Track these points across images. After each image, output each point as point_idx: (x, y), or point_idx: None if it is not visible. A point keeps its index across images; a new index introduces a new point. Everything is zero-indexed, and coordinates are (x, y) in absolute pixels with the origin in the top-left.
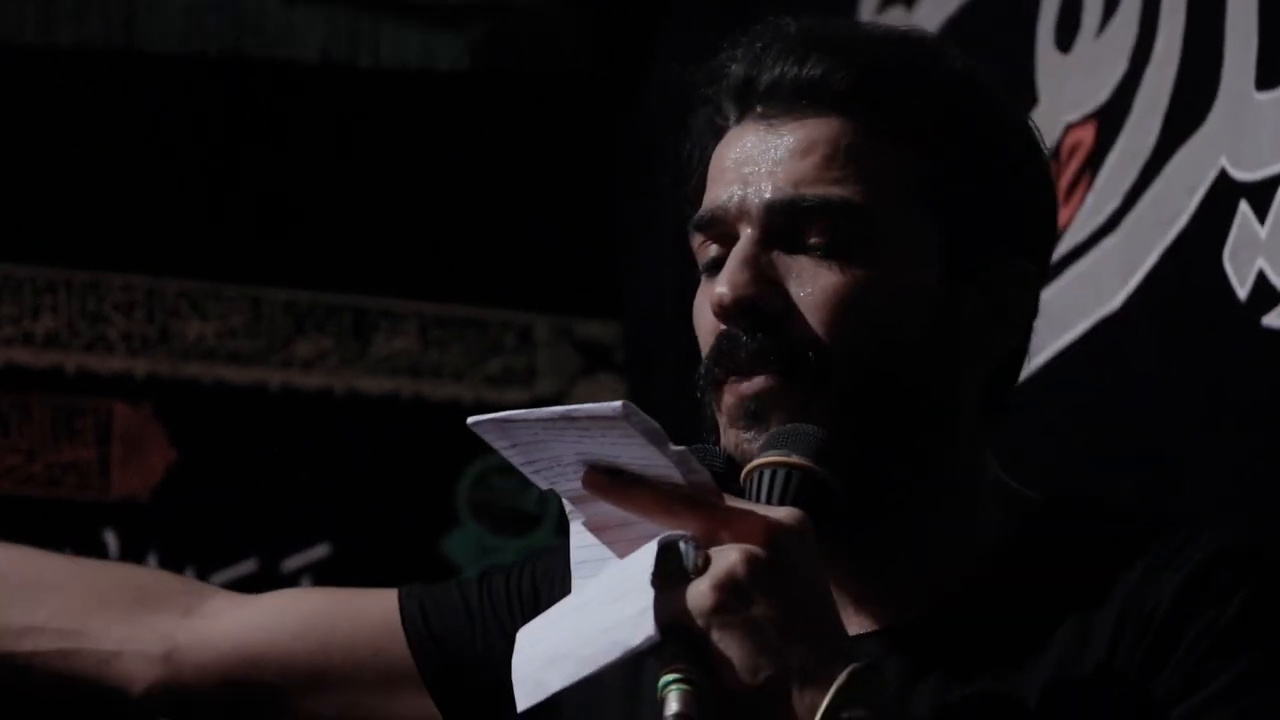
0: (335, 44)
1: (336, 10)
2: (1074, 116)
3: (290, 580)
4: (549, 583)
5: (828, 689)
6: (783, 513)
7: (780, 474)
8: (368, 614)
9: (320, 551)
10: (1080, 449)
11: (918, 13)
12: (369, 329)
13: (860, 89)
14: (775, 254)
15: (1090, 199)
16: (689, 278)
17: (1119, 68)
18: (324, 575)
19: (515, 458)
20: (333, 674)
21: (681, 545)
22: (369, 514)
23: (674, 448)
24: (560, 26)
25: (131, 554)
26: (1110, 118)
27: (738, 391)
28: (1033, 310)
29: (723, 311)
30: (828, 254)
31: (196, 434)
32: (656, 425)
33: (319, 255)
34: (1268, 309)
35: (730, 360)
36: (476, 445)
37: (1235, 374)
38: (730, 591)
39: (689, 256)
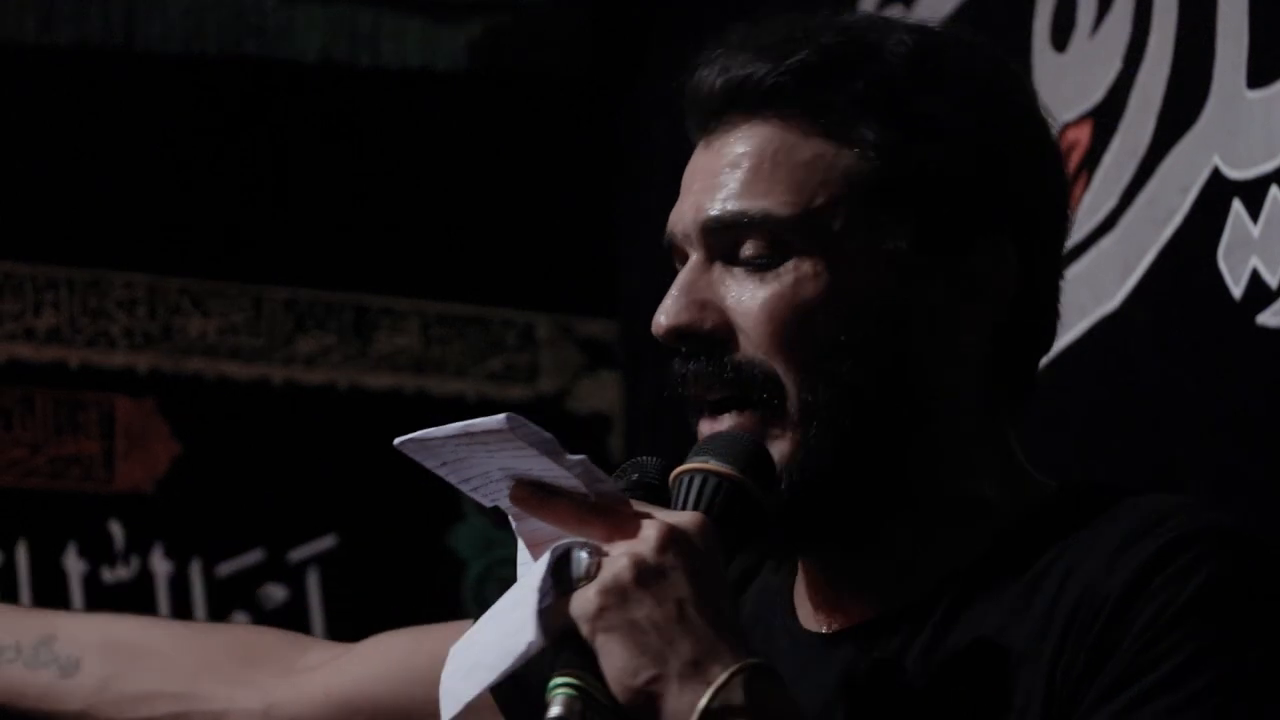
0: (335, 44)
1: (336, 10)
2: (1070, 116)
3: (296, 571)
4: None
5: (705, 690)
6: (681, 517)
7: (697, 479)
8: (443, 650)
9: (327, 542)
10: (1081, 448)
11: (916, 12)
12: (370, 327)
13: (786, 88)
14: (719, 272)
15: (1088, 199)
16: None
17: (1113, 67)
18: (331, 566)
19: (450, 477)
20: (417, 713)
21: (577, 552)
22: (375, 506)
23: (572, 457)
24: (559, 26)
25: (137, 545)
26: (1106, 117)
27: (709, 429)
28: (1021, 286)
29: (663, 340)
30: (760, 267)
31: (200, 428)
32: (548, 436)
33: (320, 253)
34: (1262, 307)
35: (683, 387)
36: None
37: (1231, 373)
38: (613, 595)
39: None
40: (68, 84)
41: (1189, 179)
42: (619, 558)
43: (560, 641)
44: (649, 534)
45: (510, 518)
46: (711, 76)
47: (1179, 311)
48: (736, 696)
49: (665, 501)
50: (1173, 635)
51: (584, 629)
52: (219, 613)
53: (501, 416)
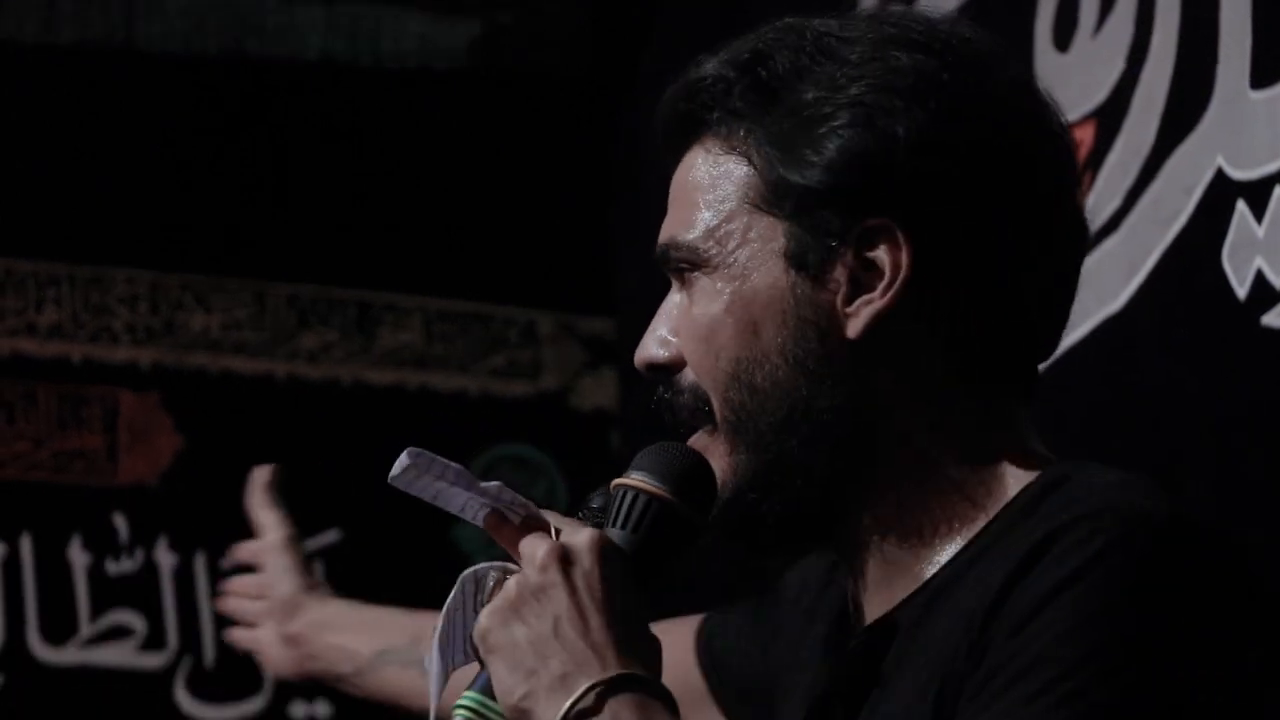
0: (335, 43)
1: (336, 10)
2: (1073, 116)
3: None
4: (796, 588)
5: (563, 703)
6: (579, 534)
7: (628, 496)
8: (673, 646)
9: (332, 536)
10: (1085, 448)
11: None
12: (373, 323)
13: (694, 113)
14: (681, 299)
15: (1091, 200)
16: None
17: (1116, 67)
18: (334, 562)
19: (448, 508)
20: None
21: (485, 576)
22: (377, 502)
23: (487, 484)
24: (559, 26)
25: (141, 538)
26: (1109, 117)
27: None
28: (938, 268)
29: (642, 374)
30: (689, 291)
31: (203, 422)
32: (456, 467)
33: (322, 250)
34: (1267, 308)
35: (662, 417)
36: (484, 435)
37: (1235, 373)
38: (497, 616)
39: None
40: (69, 83)
41: (1193, 179)
42: (511, 579)
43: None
44: (536, 554)
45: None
46: (657, 114)
47: (1183, 312)
48: (594, 707)
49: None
50: (1038, 621)
51: (480, 650)
52: None
53: (404, 453)
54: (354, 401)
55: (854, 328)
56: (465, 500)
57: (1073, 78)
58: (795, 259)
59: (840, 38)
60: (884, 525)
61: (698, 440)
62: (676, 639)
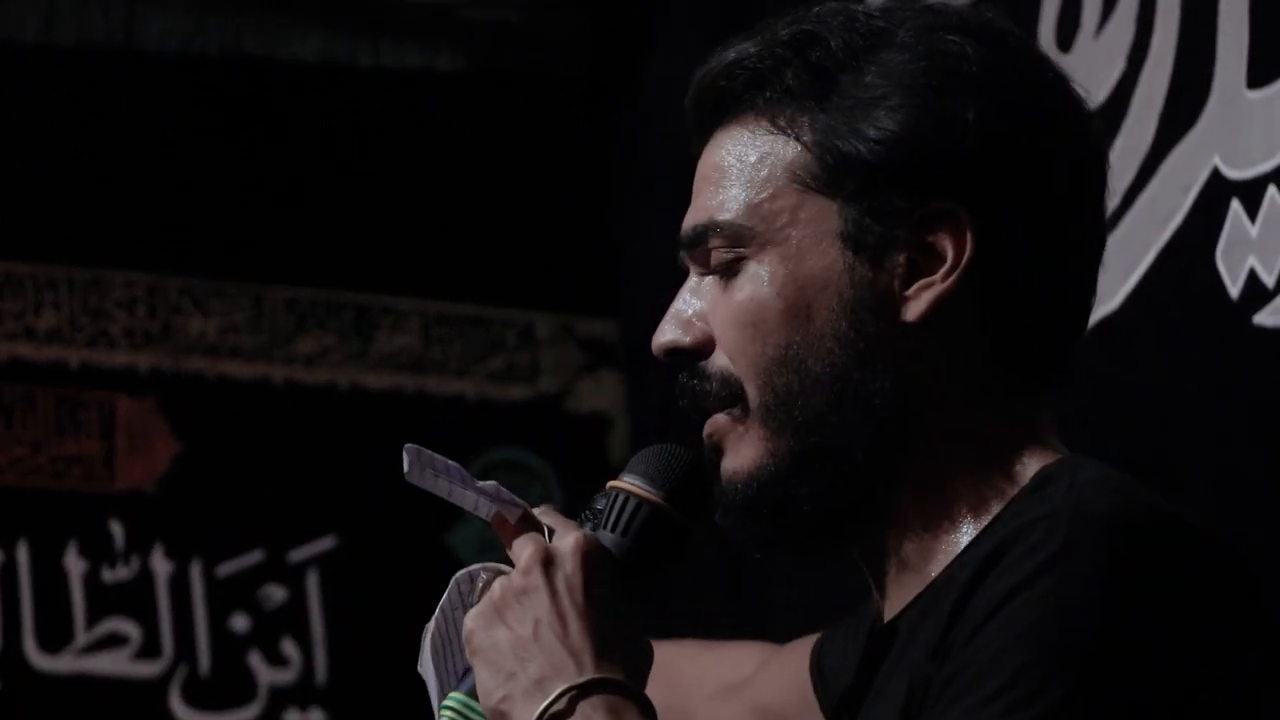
0: (335, 44)
1: (337, 10)
2: None
3: (296, 571)
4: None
5: (538, 706)
6: (565, 538)
7: (620, 499)
8: (798, 662)
9: (327, 543)
10: (1079, 448)
11: None
12: (371, 326)
13: (736, 91)
14: (706, 284)
15: None
16: (687, 277)
17: (1117, 67)
18: (331, 566)
19: (461, 505)
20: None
21: (476, 576)
22: (374, 507)
23: (483, 484)
24: (559, 26)
25: (138, 544)
26: (1110, 117)
27: (705, 431)
28: (996, 257)
29: (659, 359)
30: (724, 274)
31: (200, 427)
32: (453, 465)
33: (320, 253)
34: (1259, 307)
35: (680, 401)
36: (480, 440)
37: (1228, 372)
38: (482, 618)
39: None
40: (68, 84)
41: (1189, 179)
42: (497, 581)
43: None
44: (522, 556)
45: None
46: (690, 94)
47: (1177, 311)
48: (567, 710)
49: None
50: (992, 625)
51: (466, 652)
52: (219, 613)
53: (404, 451)
54: (351, 406)
55: (913, 311)
56: (477, 499)
57: (1075, 78)
58: (852, 240)
59: (888, 23)
60: (902, 519)
61: (719, 423)
62: (800, 654)
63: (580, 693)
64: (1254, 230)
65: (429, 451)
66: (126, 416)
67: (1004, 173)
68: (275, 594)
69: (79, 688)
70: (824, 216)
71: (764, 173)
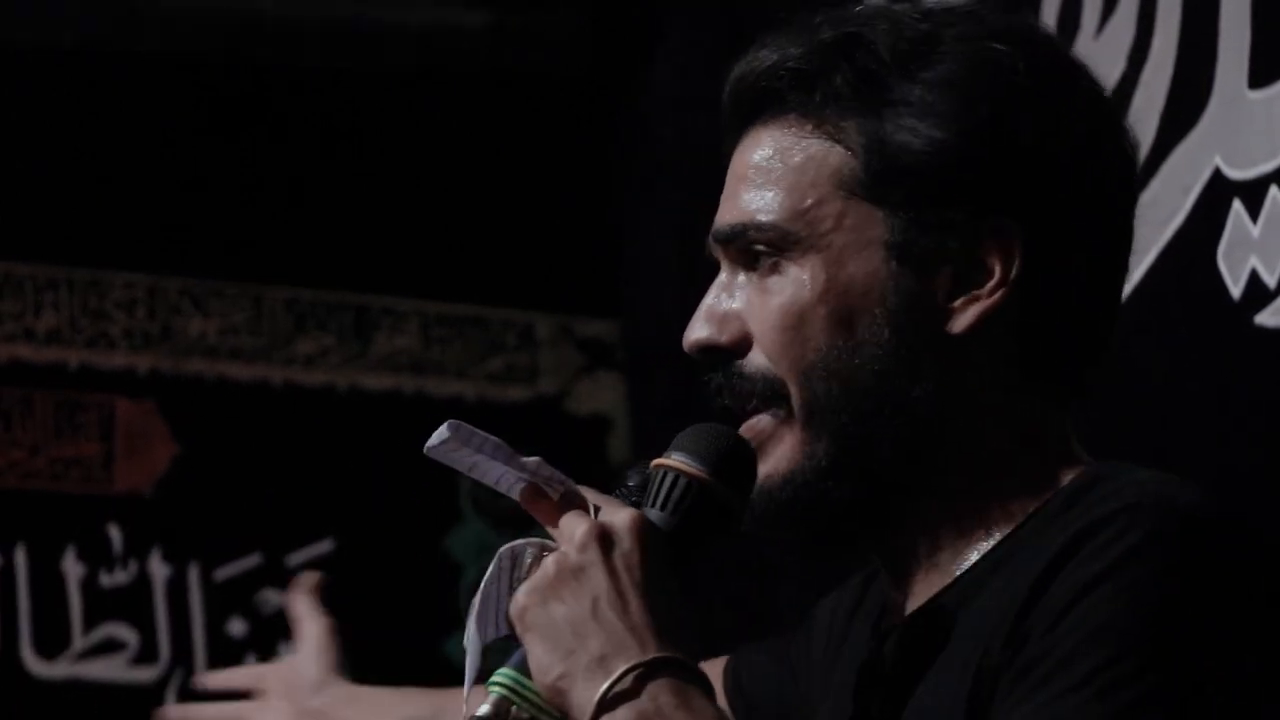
0: (335, 44)
1: (337, 10)
2: None
3: (294, 575)
4: (827, 617)
5: (604, 683)
6: (618, 514)
7: (667, 477)
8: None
9: (324, 546)
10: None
11: None
12: (370, 327)
13: (779, 92)
14: (741, 281)
15: None
16: (688, 277)
17: (1118, 68)
18: (328, 570)
19: (484, 480)
20: None
21: (524, 552)
22: (372, 510)
23: (527, 459)
24: (559, 26)
25: (136, 548)
26: None
27: (744, 431)
28: (1039, 272)
29: (691, 355)
30: (763, 273)
31: (199, 429)
32: (495, 440)
33: (320, 253)
34: (1260, 307)
35: (715, 398)
36: None
37: (1229, 373)
38: (536, 594)
39: (688, 255)
40: (68, 84)
41: (1191, 179)
42: (549, 557)
43: (510, 638)
44: (576, 533)
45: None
46: (728, 89)
47: (1178, 311)
48: (629, 689)
49: None
50: (1075, 613)
51: (516, 628)
52: (216, 617)
53: (444, 425)
54: (350, 408)
55: (958, 324)
56: (501, 473)
57: None
58: (898, 250)
59: (933, 27)
60: (933, 521)
61: (760, 426)
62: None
63: (646, 671)
64: (1255, 230)
65: (469, 426)
66: (126, 419)
67: (1054, 189)
68: (273, 598)
69: (76, 694)
70: (868, 224)
71: (808, 176)
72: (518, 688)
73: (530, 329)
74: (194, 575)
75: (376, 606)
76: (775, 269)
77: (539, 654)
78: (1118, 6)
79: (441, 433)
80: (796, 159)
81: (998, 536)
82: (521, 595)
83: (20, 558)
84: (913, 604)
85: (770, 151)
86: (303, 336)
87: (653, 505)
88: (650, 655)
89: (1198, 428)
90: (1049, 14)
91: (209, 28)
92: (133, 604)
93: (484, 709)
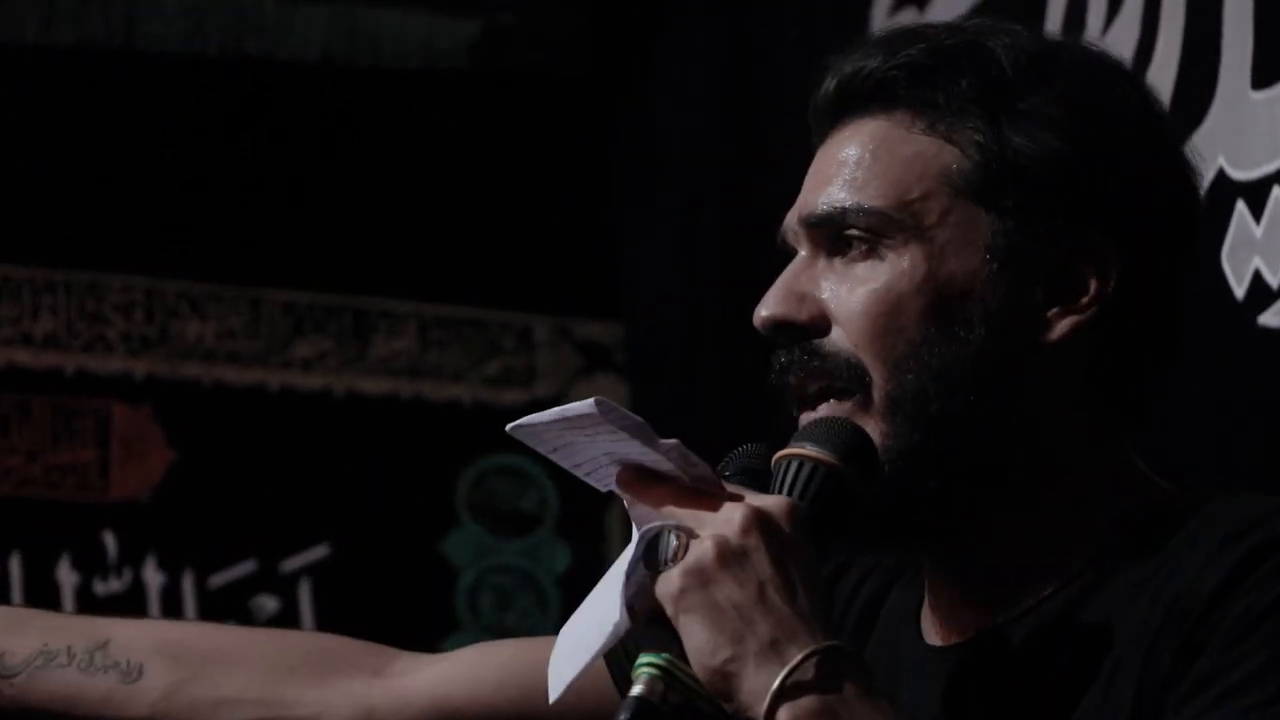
0: (335, 43)
1: (337, 9)
2: None
3: (288, 582)
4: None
5: (780, 669)
6: (769, 500)
7: (795, 465)
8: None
9: (320, 552)
10: None
11: (929, 15)
12: (368, 330)
13: (894, 84)
14: (823, 265)
15: None
16: (688, 277)
17: None
18: (323, 576)
19: (564, 462)
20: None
21: (667, 534)
22: (368, 514)
23: (665, 441)
24: (559, 26)
25: (131, 555)
26: None
27: (807, 419)
28: (1127, 288)
29: (761, 330)
30: (856, 259)
31: (196, 435)
32: (638, 420)
33: (318, 256)
34: (1263, 308)
35: (778, 376)
36: (476, 445)
37: (1232, 373)
38: (695, 576)
39: (688, 256)
40: (68, 84)
41: None
42: (704, 540)
43: (649, 622)
44: (734, 517)
45: (624, 502)
46: (828, 80)
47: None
48: (810, 677)
49: (767, 486)
50: (1258, 634)
51: (668, 609)
52: None
53: (591, 401)
54: (347, 412)
55: (1052, 333)
56: (588, 458)
57: None
58: (1000, 253)
59: (1051, 51)
60: (1003, 533)
61: (836, 410)
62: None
63: (825, 657)
64: (1259, 231)
65: (613, 404)
66: (122, 424)
67: (1150, 213)
68: (267, 604)
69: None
70: (973, 224)
71: (916, 170)
72: (673, 669)
73: (528, 331)
74: (189, 583)
75: (373, 611)
76: (870, 254)
77: (700, 636)
78: (1122, 8)
79: (587, 406)
80: (906, 152)
81: (1081, 558)
82: (678, 576)
83: (15, 566)
84: (971, 617)
85: (876, 144)
86: (300, 340)
87: (784, 493)
88: (825, 643)
89: (1200, 428)
90: (1055, 15)
91: (208, 28)
92: (127, 612)
93: (637, 689)
